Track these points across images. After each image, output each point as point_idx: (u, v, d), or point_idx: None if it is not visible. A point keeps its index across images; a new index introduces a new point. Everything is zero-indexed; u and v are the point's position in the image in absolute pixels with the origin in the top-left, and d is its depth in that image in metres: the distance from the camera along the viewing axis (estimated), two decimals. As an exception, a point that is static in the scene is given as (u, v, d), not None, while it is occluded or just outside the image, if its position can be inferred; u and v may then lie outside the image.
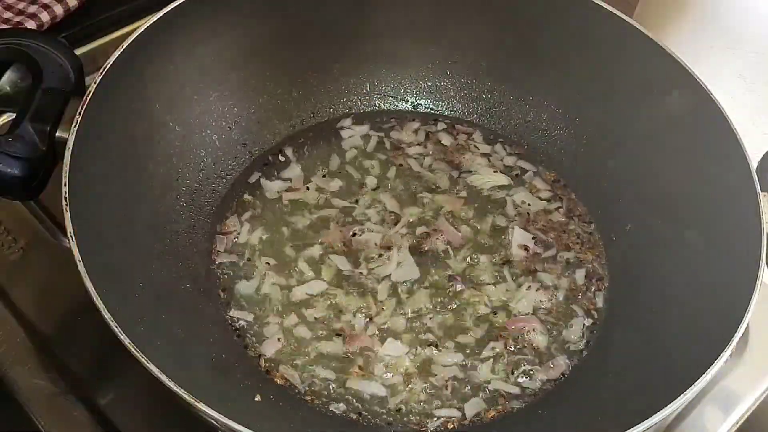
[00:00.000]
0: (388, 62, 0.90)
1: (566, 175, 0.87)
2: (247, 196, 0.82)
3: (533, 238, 0.81)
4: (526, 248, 0.80)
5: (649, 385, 0.63)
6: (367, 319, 0.73)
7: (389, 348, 0.71)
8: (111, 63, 0.68)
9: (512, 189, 0.86)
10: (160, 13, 0.73)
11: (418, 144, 0.89)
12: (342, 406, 0.68)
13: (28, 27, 0.95)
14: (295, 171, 0.85)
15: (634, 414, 0.56)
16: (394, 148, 0.88)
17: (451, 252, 0.79)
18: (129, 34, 0.71)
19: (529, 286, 0.77)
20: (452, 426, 0.68)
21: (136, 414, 0.69)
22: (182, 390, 0.53)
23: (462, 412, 0.69)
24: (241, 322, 0.72)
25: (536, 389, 0.71)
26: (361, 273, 0.76)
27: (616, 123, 0.83)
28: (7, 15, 0.97)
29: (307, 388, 0.69)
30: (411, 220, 0.81)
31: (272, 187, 0.83)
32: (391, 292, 0.75)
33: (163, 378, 0.53)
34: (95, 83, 0.66)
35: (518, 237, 0.81)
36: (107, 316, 0.55)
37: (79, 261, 0.57)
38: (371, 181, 0.84)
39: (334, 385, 0.69)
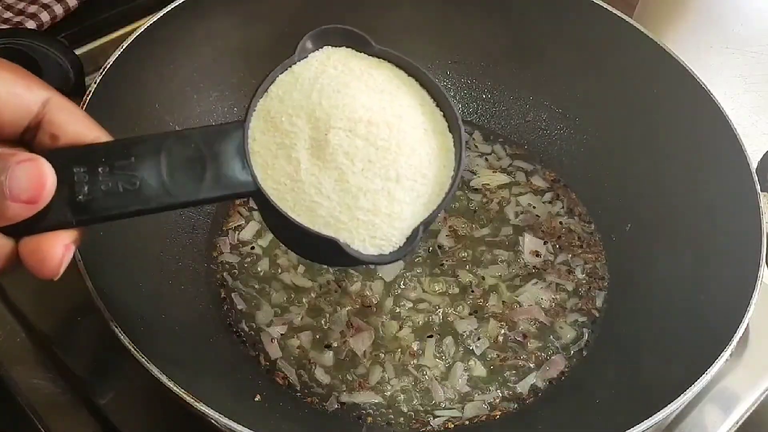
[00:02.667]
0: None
1: (566, 175, 0.87)
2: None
3: (545, 243, 0.81)
4: (537, 254, 0.80)
5: (649, 385, 0.63)
6: (368, 319, 0.73)
7: (389, 346, 0.72)
8: (111, 63, 0.68)
9: (512, 189, 0.86)
10: (160, 13, 0.73)
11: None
12: (342, 406, 0.68)
13: (28, 27, 0.95)
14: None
15: (633, 414, 0.56)
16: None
17: (453, 251, 0.79)
18: (129, 34, 0.71)
19: (531, 286, 0.77)
20: (452, 426, 0.68)
21: (136, 414, 0.69)
22: (182, 390, 0.53)
23: (462, 412, 0.69)
24: (242, 322, 0.72)
25: (535, 389, 0.71)
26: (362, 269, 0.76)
27: (616, 123, 0.83)
28: (7, 15, 0.97)
29: (307, 389, 0.69)
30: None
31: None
32: (392, 289, 0.75)
33: (163, 378, 0.53)
34: (95, 83, 0.66)
35: (529, 243, 0.81)
36: (107, 316, 0.55)
37: (79, 261, 0.57)
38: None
39: (334, 385, 0.69)
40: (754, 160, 0.70)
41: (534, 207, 0.84)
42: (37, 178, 0.40)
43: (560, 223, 0.83)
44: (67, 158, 0.42)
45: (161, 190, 0.44)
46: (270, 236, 0.79)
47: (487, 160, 0.88)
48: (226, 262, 0.76)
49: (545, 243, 0.81)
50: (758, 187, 0.68)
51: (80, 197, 0.42)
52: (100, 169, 0.43)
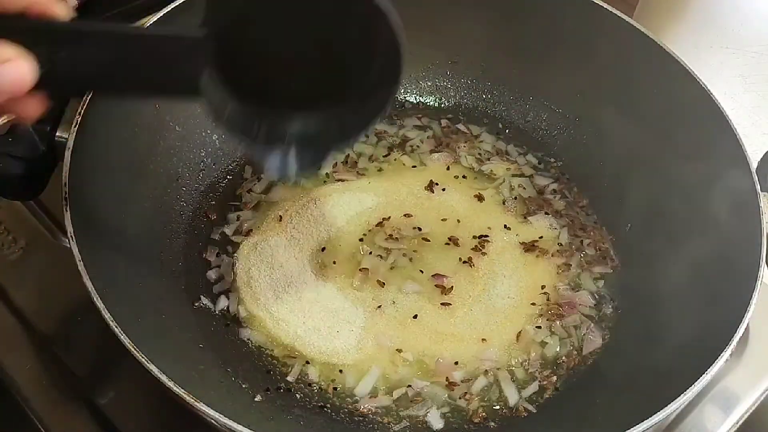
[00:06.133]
0: (388, 62, 0.90)
1: (567, 174, 0.87)
2: (247, 196, 0.82)
3: (551, 216, 0.82)
4: (559, 245, 0.81)
5: (650, 385, 0.63)
6: (371, 319, 0.73)
7: (390, 346, 0.72)
8: (111, 63, 0.68)
9: (522, 177, 0.87)
10: (160, 13, 0.73)
11: (418, 141, 0.89)
12: (342, 406, 0.68)
13: (28, 27, 0.95)
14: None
15: (634, 414, 0.56)
16: (394, 146, 0.88)
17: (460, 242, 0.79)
18: (129, 34, 0.71)
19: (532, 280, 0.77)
20: (453, 426, 0.68)
21: (136, 414, 0.69)
22: (182, 390, 0.53)
23: (462, 411, 0.69)
24: (241, 322, 0.72)
25: (535, 389, 0.71)
26: (363, 269, 0.76)
27: (616, 123, 0.83)
28: (7, 15, 0.97)
29: (306, 389, 0.69)
30: (413, 214, 0.81)
31: (272, 186, 0.83)
32: (394, 286, 0.75)
33: (163, 378, 0.53)
34: (95, 83, 0.66)
35: (540, 220, 0.82)
36: (107, 316, 0.55)
37: (79, 261, 0.57)
38: (372, 178, 0.84)
39: (333, 385, 0.69)
40: (754, 160, 0.70)
41: (541, 191, 0.85)
42: (20, 79, 0.46)
43: (561, 212, 0.84)
44: (37, 37, 0.47)
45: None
46: (269, 235, 0.79)
47: (503, 154, 0.89)
48: (225, 261, 0.76)
49: (550, 215, 0.82)
50: (758, 187, 0.68)
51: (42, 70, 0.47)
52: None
